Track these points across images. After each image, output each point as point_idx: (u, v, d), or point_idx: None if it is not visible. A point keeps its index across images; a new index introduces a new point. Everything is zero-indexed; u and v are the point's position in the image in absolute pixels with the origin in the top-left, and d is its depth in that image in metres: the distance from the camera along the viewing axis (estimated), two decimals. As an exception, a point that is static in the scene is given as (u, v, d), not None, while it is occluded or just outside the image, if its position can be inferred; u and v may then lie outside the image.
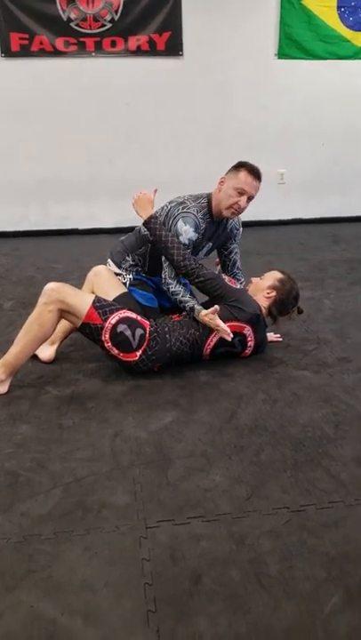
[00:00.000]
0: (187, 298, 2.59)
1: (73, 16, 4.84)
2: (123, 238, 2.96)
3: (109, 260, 2.92)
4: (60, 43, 4.91)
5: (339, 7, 5.02)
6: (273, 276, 2.73)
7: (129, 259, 2.85)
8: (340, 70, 5.26)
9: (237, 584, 1.52)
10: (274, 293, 2.68)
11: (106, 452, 2.07)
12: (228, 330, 2.52)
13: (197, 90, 5.15)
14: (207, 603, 1.47)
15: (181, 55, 5.03)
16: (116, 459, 2.04)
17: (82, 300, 2.44)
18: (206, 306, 2.56)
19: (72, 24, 4.87)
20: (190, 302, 2.57)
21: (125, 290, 2.76)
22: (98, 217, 5.37)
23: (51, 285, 2.43)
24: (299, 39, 5.07)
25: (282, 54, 5.11)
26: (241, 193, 2.62)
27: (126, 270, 2.85)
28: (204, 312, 2.51)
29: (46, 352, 2.69)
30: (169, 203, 2.76)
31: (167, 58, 5.04)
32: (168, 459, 2.03)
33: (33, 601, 1.48)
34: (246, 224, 5.45)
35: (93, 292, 2.71)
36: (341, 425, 2.24)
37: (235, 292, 2.61)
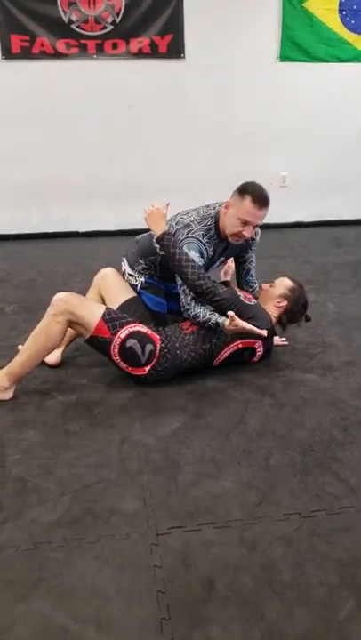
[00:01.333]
0: (208, 315, 2.48)
1: (74, 18, 4.84)
2: (138, 238, 2.86)
3: (124, 259, 2.86)
4: (61, 45, 4.91)
5: (340, 10, 5.03)
6: (283, 285, 2.69)
7: (142, 262, 2.76)
8: (341, 73, 5.27)
9: (250, 590, 1.51)
10: (285, 303, 2.65)
11: (113, 459, 2.06)
12: (259, 330, 2.47)
13: (199, 92, 5.15)
14: (220, 609, 1.46)
15: (183, 58, 5.04)
16: (124, 465, 2.03)
17: (91, 313, 2.40)
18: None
19: (73, 26, 4.87)
20: (213, 318, 2.47)
21: (134, 294, 2.74)
22: (99, 219, 5.37)
23: (60, 296, 2.39)
24: (301, 42, 5.08)
25: (284, 57, 5.12)
26: (245, 223, 2.49)
27: (139, 273, 2.77)
28: (227, 322, 2.44)
29: (53, 356, 2.67)
30: (175, 223, 2.64)
31: (169, 60, 5.05)
32: (177, 465, 2.02)
33: (44, 609, 1.47)
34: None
35: (101, 295, 2.70)
36: (349, 429, 2.23)
37: (250, 309, 2.54)
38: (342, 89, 5.32)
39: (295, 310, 2.68)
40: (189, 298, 2.53)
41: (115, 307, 2.66)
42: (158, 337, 2.49)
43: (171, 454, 2.08)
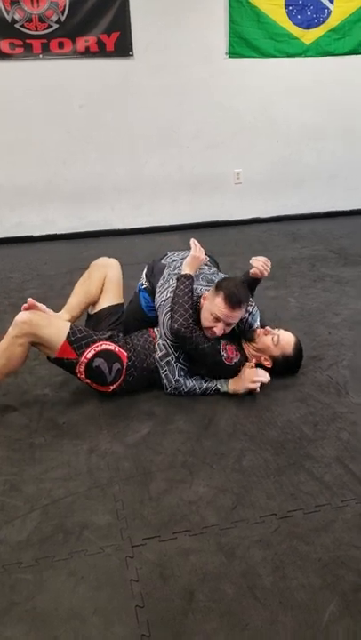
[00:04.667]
0: (205, 385, 2.43)
1: (17, 17, 4.70)
2: (172, 259, 2.75)
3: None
4: (5, 45, 4.75)
5: (286, 5, 5.04)
6: (282, 349, 2.48)
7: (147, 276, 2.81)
8: (290, 68, 5.28)
9: (232, 599, 1.48)
10: (270, 363, 2.50)
11: (82, 470, 1.99)
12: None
13: (150, 90, 5.08)
14: (203, 621, 1.42)
15: (132, 56, 4.96)
16: (93, 476, 1.96)
17: (56, 333, 2.28)
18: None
19: (17, 25, 4.72)
20: (212, 385, 2.43)
21: (122, 301, 2.68)
22: (54, 223, 5.24)
23: (22, 317, 2.25)
24: (249, 38, 5.06)
25: (233, 53, 5.09)
26: (216, 319, 2.32)
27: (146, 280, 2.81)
28: (231, 384, 2.42)
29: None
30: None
31: (117, 59, 4.96)
32: (148, 472, 1.97)
33: (18, 636, 1.39)
34: (206, 225, 5.47)
35: (103, 282, 2.62)
36: (319, 425, 2.22)
37: (228, 370, 2.44)
38: (292, 84, 5.33)
39: (277, 371, 2.53)
40: (176, 372, 2.41)
41: (106, 302, 2.60)
42: (126, 354, 2.39)
43: (141, 462, 2.03)
